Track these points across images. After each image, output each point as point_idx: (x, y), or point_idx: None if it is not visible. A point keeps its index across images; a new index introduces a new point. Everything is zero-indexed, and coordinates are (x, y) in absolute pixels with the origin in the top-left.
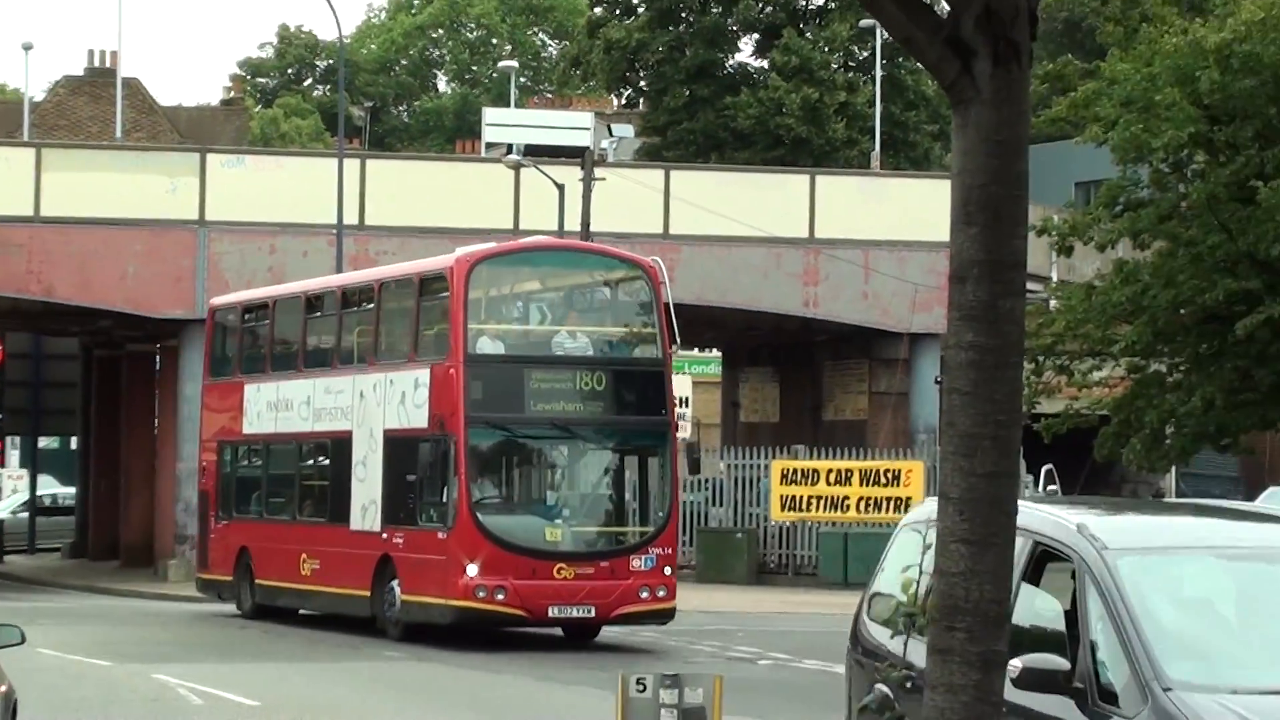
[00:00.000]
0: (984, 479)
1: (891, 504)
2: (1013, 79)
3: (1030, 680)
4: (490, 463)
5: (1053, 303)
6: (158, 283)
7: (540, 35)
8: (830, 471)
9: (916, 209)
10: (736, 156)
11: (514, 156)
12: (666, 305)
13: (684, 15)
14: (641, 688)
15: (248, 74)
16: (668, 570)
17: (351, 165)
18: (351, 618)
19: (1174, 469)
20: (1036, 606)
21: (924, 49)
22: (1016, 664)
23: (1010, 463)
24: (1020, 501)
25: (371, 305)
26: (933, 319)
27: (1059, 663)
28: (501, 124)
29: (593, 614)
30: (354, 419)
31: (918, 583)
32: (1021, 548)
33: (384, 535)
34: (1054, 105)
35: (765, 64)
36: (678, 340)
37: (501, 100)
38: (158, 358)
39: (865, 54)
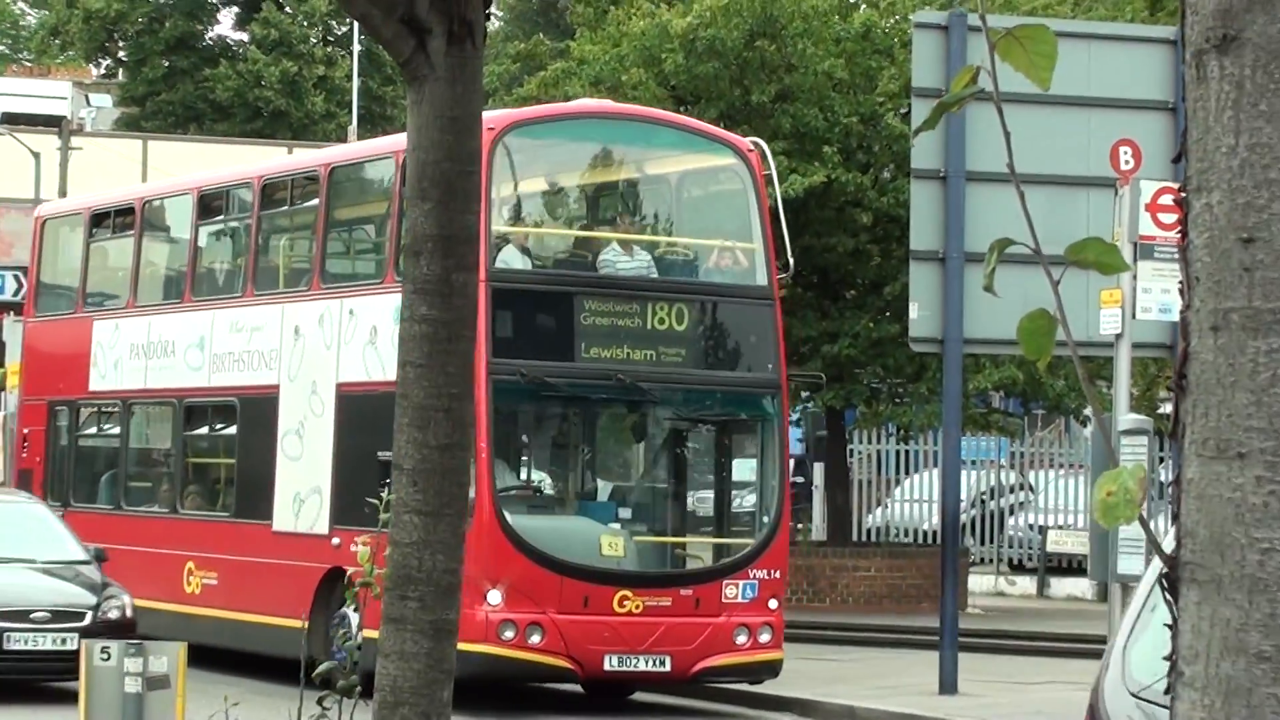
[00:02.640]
0: (438, 450)
1: None
2: (467, 57)
3: None
4: (523, 436)
5: None
6: None
7: (19, 4)
8: None
9: None
10: (215, 128)
11: None
12: (774, 209)
13: None
14: (106, 656)
15: None
16: (773, 603)
17: None
18: (267, 657)
19: None
20: None
21: (379, 26)
22: None
23: (463, 434)
24: None
25: (315, 201)
26: None
27: None
28: None
29: (668, 667)
30: (283, 368)
31: None
32: None
33: (334, 540)
34: (525, 84)
35: (245, 37)
36: (790, 261)
37: None
38: None
39: (344, 28)
